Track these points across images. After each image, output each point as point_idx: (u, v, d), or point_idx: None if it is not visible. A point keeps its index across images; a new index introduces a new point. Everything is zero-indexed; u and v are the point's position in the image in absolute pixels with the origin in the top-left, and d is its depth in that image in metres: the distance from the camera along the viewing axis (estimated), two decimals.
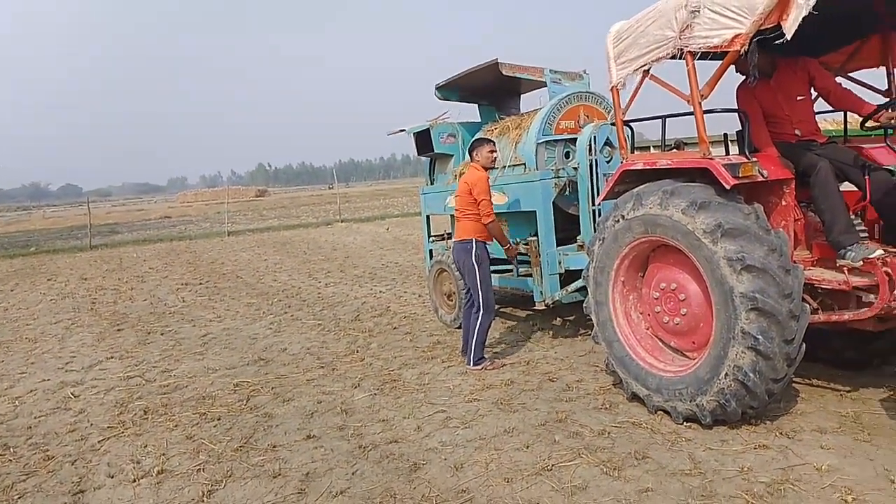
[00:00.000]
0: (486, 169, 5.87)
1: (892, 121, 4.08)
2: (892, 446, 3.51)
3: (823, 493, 3.11)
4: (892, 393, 4.24)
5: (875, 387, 4.37)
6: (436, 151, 7.87)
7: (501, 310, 7.89)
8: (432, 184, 8.38)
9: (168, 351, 7.25)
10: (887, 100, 4.25)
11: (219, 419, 4.92)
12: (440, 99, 8.06)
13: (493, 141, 6.04)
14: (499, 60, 6.74)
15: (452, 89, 7.98)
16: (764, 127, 4.30)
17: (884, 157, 4.24)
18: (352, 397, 5.14)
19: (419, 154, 8.25)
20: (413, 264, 12.61)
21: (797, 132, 4.35)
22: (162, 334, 8.16)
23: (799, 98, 4.42)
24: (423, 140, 7.88)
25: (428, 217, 8.39)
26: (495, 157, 5.97)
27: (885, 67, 4.56)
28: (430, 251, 8.21)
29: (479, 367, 5.61)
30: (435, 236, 8.37)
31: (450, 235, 8.23)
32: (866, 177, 4.01)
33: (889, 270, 3.59)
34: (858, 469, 3.29)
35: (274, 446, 4.32)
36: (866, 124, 4.28)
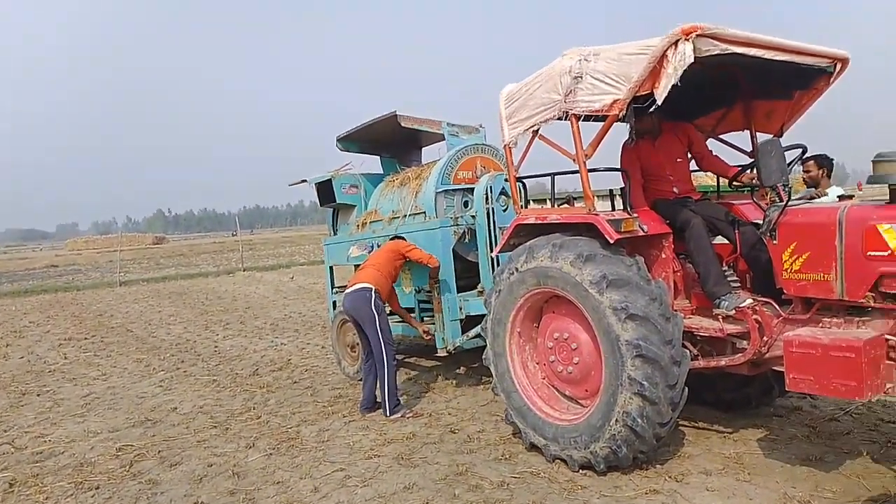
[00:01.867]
0: None
1: (754, 181, 4.47)
2: (767, 485, 3.72)
3: None
4: (768, 433, 4.52)
5: (754, 427, 4.64)
6: (338, 202, 7.86)
7: (405, 360, 7.85)
8: (335, 234, 8.33)
9: (44, 413, 6.71)
10: (750, 161, 4.64)
11: (97, 488, 4.58)
12: (341, 150, 8.11)
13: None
14: (397, 113, 6.89)
15: (353, 141, 8.05)
16: (640, 186, 4.58)
17: (751, 213, 4.61)
18: (245, 458, 4.92)
19: (321, 205, 8.21)
20: (317, 314, 12.37)
21: (675, 190, 4.66)
22: (38, 395, 7.55)
23: (678, 160, 4.75)
24: (326, 190, 7.86)
25: (331, 268, 8.31)
26: None
27: (748, 131, 5.00)
28: (334, 302, 8.11)
29: (399, 414, 5.57)
30: (338, 287, 8.28)
31: None
32: (736, 231, 4.35)
33: (759, 318, 3.88)
34: None
35: None
36: (733, 184, 4.66)
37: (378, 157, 8.33)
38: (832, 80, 4.44)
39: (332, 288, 8.32)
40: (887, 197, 3.45)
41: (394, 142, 7.93)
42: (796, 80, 4.50)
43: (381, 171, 8.24)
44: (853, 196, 4.03)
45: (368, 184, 7.99)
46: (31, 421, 6.45)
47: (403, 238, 6.33)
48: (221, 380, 7.62)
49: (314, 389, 6.85)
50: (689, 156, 4.92)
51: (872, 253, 3.35)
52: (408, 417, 5.53)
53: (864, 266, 3.39)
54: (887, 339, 3.31)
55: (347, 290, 5.87)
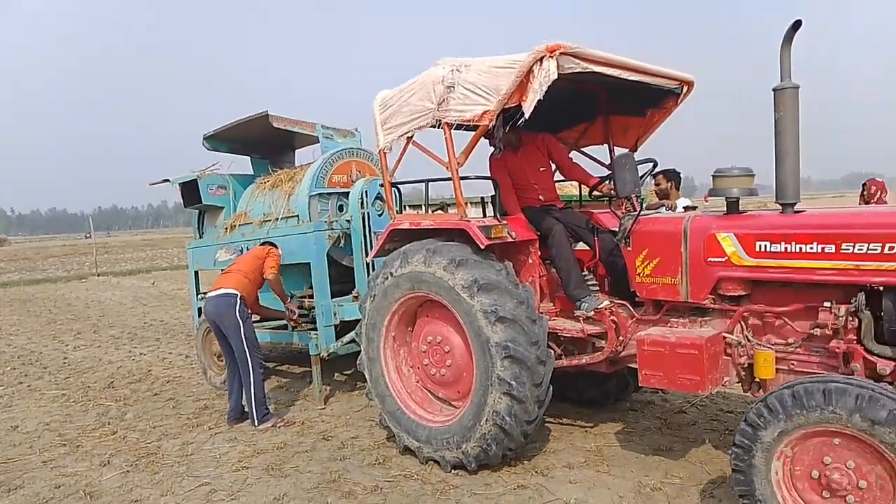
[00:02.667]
0: None
1: (612, 191, 4.79)
2: (624, 475, 4.01)
3: None
4: (625, 426, 4.86)
5: (612, 421, 4.97)
6: (204, 203, 7.51)
7: (277, 368, 7.65)
8: (201, 237, 7.96)
9: None
10: (608, 173, 4.97)
11: None
12: (209, 149, 7.76)
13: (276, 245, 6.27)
14: (269, 113, 6.71)
15: (221, 140, 7.73)
16: (512, 193, 4.78)
17: (609, 221, 4.93)
18: (99, 477, 4.58)
19: (186, 206, 7.80)
20: (181, 322, 11.73)
21: (540, 198, 4.89)
22: None
23: (541, 169, 4.99)
24: (191, 191, 7.49)
25: (196, 273, 7.93)
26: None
27: (607, 145, 5.35)
28: (199, 309, 7.73)
29: (270, 423, 5.40)
30: (204, 293, 7.90)
31: None
32: (595, 238, 4.64)
33: (615, 319, 4.16)
34: (599, 499, 3.70)
35: None
36: (593, 193, 4.97)
37: (248, 158, 8.06)
38: (679, 100, 4.85)
39: (198, 294, 7.92)
40: (725, 209, 3.81)
41: (265, 142, 7.70)
42: (649, 100, 4.87)
43: (252, 173, 7.97)
44: (696, 207, 4.43)
45: (237, 185, 7.71)
46: None
47: (275, 245, 6.15)
48: (71, 394, 7.03)
49: (177, 401, 6.49)
50: (553, 166, 5.18)
51: (712, 259, 3.69)
52: (278, 427, 5.39)
53: (705, 271, 3.74)
54: (725, 337, 3.67)
55: (209, 295, 5.64)
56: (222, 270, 6.02)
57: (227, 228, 7.32)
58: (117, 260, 32.84)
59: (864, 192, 6.94)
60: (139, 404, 6.45)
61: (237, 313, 5.46)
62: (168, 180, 7.74)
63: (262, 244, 6.21)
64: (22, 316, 14.03)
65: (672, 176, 6.05)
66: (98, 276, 23.59)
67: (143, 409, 6.25)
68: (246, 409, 5.55)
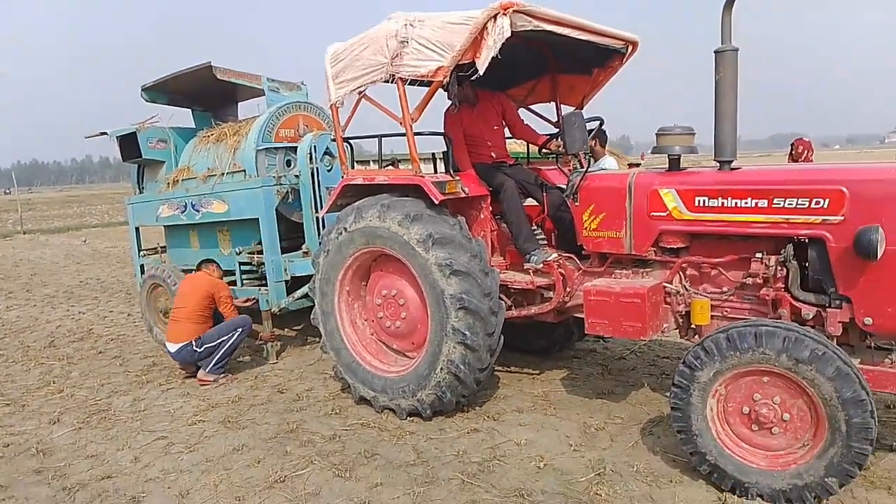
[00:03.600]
0: None
1: (560, 149, 4.93)
2: (570, 417, 4.26)
3: (521, 463, 3.66)
4: (569, 372, 5.13)
5: (557, 368, 5.23)
6: (144, 157, 7.30)
7: None
8: (141, 192, 7.74)
9: None
10: (555, 131, 5.10)
11: None
12: (147, 101, 7.48)
13: (217, 262, 6.20)
14: (212, 64, 6.52)
15: (161, 91, 7.48)
16: (465, 149, 4.85)
17: (556, 178, 5.10)
18: (50, 435, 4.54)
19: (124, 160, 7.55)
20: (120, 280, 11.44)
21: (493, 155, 4.99)
22: None
23: (495, 127, 5.07)
24: (130, 145, 7.25)
25: (137, 229, 7.74)
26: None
27: (554, 103, 5.47)
28: (142, 266, 7.59)
29: (212, 378, 5.44)
30: (147, 250, 7.77)
31: (164, 249, 7.71)
32: (544, 194, 4.80)
33: (563, 271, 4.35)
34: (548, 440, 3.94)
35: None
36: (542, 151, 5.11)
37: (189, 111, 7.83)
38: (625, 59, 4.99)
39: (140, 251, 7.76)
40: (667, 165, 4.01)
41: (208, 95, 7.48)
42: (595, 59, 4.99)
43: (194, 126, 7.76)
44: (640, 164, 4.63)
45: (179, 139, 7.50)
46: None
47: (212, 261, 6.13)
48: (10, 354, 6.85)
49: (123, 359, 6.41)
50: (504, 124, 5.28)
51: (654, 213, 3.90)
52: (220, 382, 5.44)
53: (648, 225, 3.94)
54: (665, 287, 3.91)
55: (171, 351, 5.59)
56: (170, 318, 5.86)
57: (169, 183, 7.14)
58: (44, 217, 31.37)
59: (793, 152, 7.35)
60: (84, 362, 6.35)
61: (202, 352, 5.48)
62: (105, 133, 7.46)
63: (199, 269, 6.03)
64: None
65: (598, 134, 6.22)
66: (24, 234, 22.54)
67: (88, 368, 6.16)
68: (201, 361, 5.54)
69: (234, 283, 6.53)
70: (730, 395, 3.23)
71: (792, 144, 7.58)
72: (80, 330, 7.79)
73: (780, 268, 3.56)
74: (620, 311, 3.77)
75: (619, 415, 4.26)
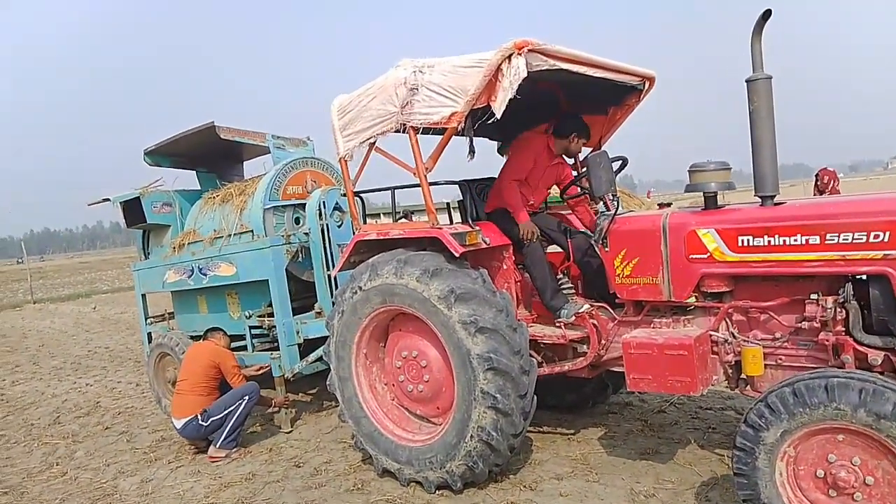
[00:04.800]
0: None
1: (584, 190, 4.68)
2: (615, 483, 3.88)
3: None
4: (607, 430, 4.75)
5: (593, 426, 4.86)
6: (149, 222, 7.10)
7: None
8: (147, 258, 7.52)
9: None
10: (578, 173, 4.85)
11: None
12: (150, 165, 7.34)
13: (223, 330, 5.92)
14: (216, 124, 6.38)
15: (164, 155, 7.33)
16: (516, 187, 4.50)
17: (579, 223, 4.83)
18: None
19: (129, 226, 7.36)
20: (128, 347, 11.14)
21: (531, 202, 4.69)
22: None
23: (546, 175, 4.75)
24: (134, 210, 7.05)
25: (144, 296, 7.50)
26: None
27: None
28: (149, 334, 7.32)
29: (224, 454, 5.10)
30: (154, 317, 7.50)
31: (171, 315, 7.45)
32: (569, 240, 4.53)
33: (596, 322, 4.04)
34: None
35: None
36: (563, 195, 4.85)
37: (194, 172, 7.67)
38: (642, 96, 4.79)
39: (147, 318, 7.50)
40: (702, 204, 3.74)
41: (212, 155, 7.34)
42: (611, 97, 4.79)
43: (199, 187, 7.59)
44: (671, 204, 4.37)
45: (184, 201, 7.30)
46: None
47: (217, 330, 5.83)
48: (12, 434, 6.52)
49: (131, 434, 6.08)
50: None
51: (694, 256, 3.61)
52: (234, 458, 5.10)
53: (687, 268, 3.65)
54: (711, 335, 3.59)
55: (177, 426, 5.31)
56: (175, 391, 5.61)
57: (174, 248, 6.91)
58: (54, 285, 31.31)
59: (818, 182, 7.08)
60: (90, 440, 6.01)
61: (209, 427, 5.19)
62: (108, 199, 7.28)
63: (205, 338, 5.76)
64: None
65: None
66: (34, 303, 22.38)
67: (94, 445, 5.82)
68: (210, 435, 5.21)
69: (244, 348, 6.23)
70: (800, 456, 2.88)
71: (817, 175, 7.33)
72: (86, 404, 7.47)
73: (839, 309, 3.24)
74: (666, 364, 3.45)
75: (668, 478, 3.88)
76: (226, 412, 5.15)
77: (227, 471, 4.84)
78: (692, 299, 3.72)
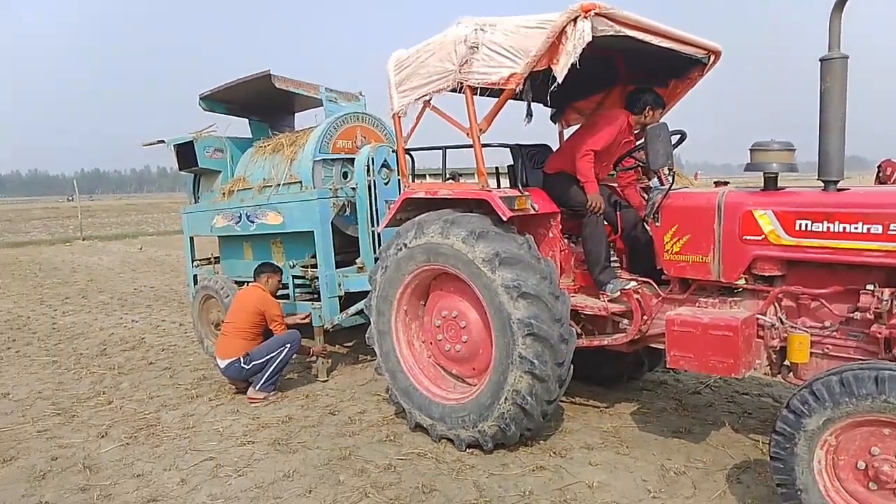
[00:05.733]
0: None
1: (639, 162, 4.59)
2: (646, 458, 3.88)
3: None
4: (640, 406, 4.74)
5: (626, 401, 4.85)
6: (200, 167, 7.23)
7: None
8: (196, 202, 7.68)
9: None
10: (637, 143, 4.74)
11: None
12: (205, 110, 7.44)
13: (280, 270, 5.93)
14: (271, 73, 6.41)
15: (219, 101, 7.42)
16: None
17: (630, 196, 4.75)
18: (98, 449, 4.40)
19: (181, 169, 7.51)
20: (173, 289, 11.48)
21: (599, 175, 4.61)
22: None
23: (623, 143, 4.56)
24: (186, 154, 7.19)
25: (192, 239, 7.68)
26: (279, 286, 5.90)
27: None
28: (195, 276, 7.51)
29: (262, 396, 5.26)
30: (200, 260, 7.69)
31: (217, 259, 7.62)
32: (618, 213, 4.47)
33: (640, 298, 4.01)
34: (623, 483, 3.57)
35: None
36: (617, 167, 4.76)
37: (246, 121, 7.76)
38: (705, 70, 4.64)
39: (193, 261, 7.69)
40: (762, 184, 3.64)
41: (265, 104, 7.40)
42: (673, 69, 4.66)
43: (250, 136, 7.68)
44: (728, 182, 4.26)
45: (235, 148, 7.41)
46: None
47: (269, 272, 5.80)
48: (63, 361, 6.82)
49: (173, 371, 6.30)
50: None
51: (748, 237, 3.53)
52: (269, 400, 5.26)
53: (739, 249, 3.57)
54: (758, 319, 3.53)
55: (220, 365, 5.46)
56: (220, 331, 5.74)
57: (224, 193, 7.05)
58: (102, 224, 32.27)
59: (880, 174, 6.82)
60: (134, 373, 6.26)
61: (250, 368, 5.33)
62: (163, 141, 7.44)
63: (256, 277, 5.77)
64: (6, 279, 13.70)
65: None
66: (83, 240, 23.17)
67: (138, 379, 6.06)
68: (251, 377, 5.38)
69: (286, 297, 6.36)
70: (841, 446, 2.83)
71: (879, 166, 7.06)
72: (132, 338, 7.75)
73: (895, 302, 3.15)
74: (709, 344, 3.40)
75: (700, 458, 3.86)
76: (267, 357, 5.29)
77: (264, 412, 5.00)
78: (741, 281, 3.66)
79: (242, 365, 5.31)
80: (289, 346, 5.38)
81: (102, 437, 4.64)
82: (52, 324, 8.83)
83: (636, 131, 4.53)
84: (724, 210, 3.63)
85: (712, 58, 4.54)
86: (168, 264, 15.14)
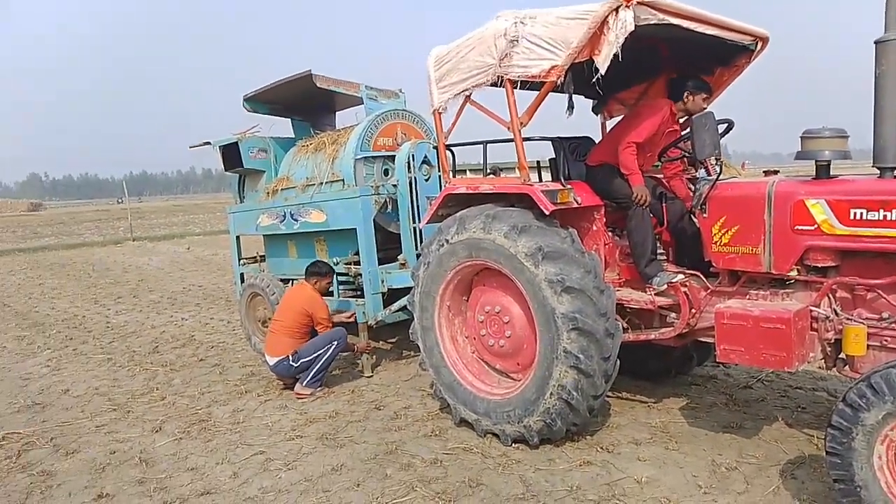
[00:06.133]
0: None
1: (685, 153, 4.51)
2: (696, 453, 3.82)
3: None
4: (689, 401, 4.66)
5: (675, 396, 4.77)
6: (245, 167, 7.37)
7: None
8: (242, 201, 7.84)
9: None
10: (683, 133, 4.64)
11: None
12: (249, 111, 7.58)
13: (332, 271, 5.94)
14: (312, 72, 6.50)
15: (262, 102, 7.55)
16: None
17: (675, 188, 4.67)
18: (153, 444, 4.54)
19: (226, 170, 7.67)
20: (220, 287, 11.74)
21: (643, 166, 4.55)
22: None
23: (667, 132, 4.49)
24: (231, 155, 7.33)
25: (238, 238, 7.84)
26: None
27: None
28: (242, 275, 7.67)
29: (309, 391, 5.35)
30: (246, 259, 7.85)
31: (263, 258, 7.77)
32: (663, 205, 4.39)
33: (688, 291, 3.94)
34: (672, 479, 3.52)
35: None
36: (661, 157, 4.68)
37: (289, 121, 7.88)
38: (752, 57, 4.52)
39: (240, 260, 7.86)
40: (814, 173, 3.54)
41: (307, 104, 7.50)
42: (718, 56, 4.55)
43: (293, 135, 7.80)
44: (778, 171, 4.14)
45: (279, 148, 7.53)
46: None
47: (320, 274, 5.80)
48: (117, 358, 7.05)
49: (223, 367, 6.45)
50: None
51: (800, 227, 3.43)
52: (318, 396, 5.34)
53: (791, 240, 3.48)
54: (811, 311, 3.43)
55: (270, 363, 5.57)
56: (269, 329, 5.84)
57: (268, 193, 7.18)
58: (151, 225, 33.21)
59: None
60: (186, 370, 6.43)
61: (298, 366, 5.43)
62: (209, 143, 7.61)
63: (307, 274, 5.79)
64: (62, 280, 14.20)
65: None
66: (133, 241, 23.86)
67: (189, 375, 6.22)
68: (298, 374, 5.48)
69: (330, 293, 6.44)
70: None
71: None
72: (182, 336, 7.97)
73: None
74: (761, 337, 3.32)
75: (752, 453, 3.78)
76: (315, 355, 5.38)
77: (311, 407, 5.08)
78: (793, 272, 3.56)
79: (291, 363, 5.40)
80: (335, 343, 5.45)
81: (157, 431, 4.78)
82: (106, 323, 9.13)
83: (681, 120, 4.44)
84: (774, 200, 3.53)
85: (759, 44, 4.42)
86: (215, 263, 15.48)
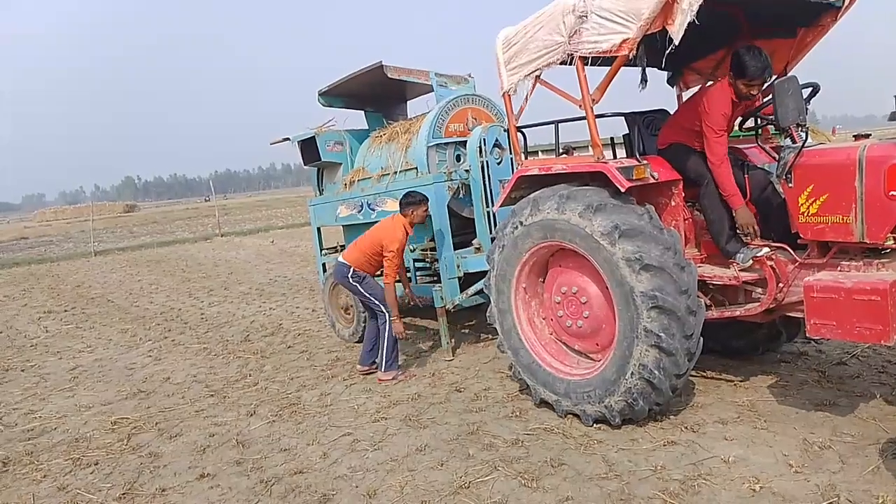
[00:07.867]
0: (411, 226, 5.69)
1: (768, 120, 4.31)
2: (786, 431, 3.69)
3: (733, 484, 3.20)
4: (778, 379, 4.49)
5: (763, 374, 4.61)
6: (323, 160, 7.60)
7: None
8: (321, 194, 8.09)
9: (31, 389, 6.50)
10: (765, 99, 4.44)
11: (96, 464, 4.43)
12: (324, 106, 7.80)
13: (427, 199, 5.74)
14: (384, 63, 6.60)
15: (336, 95, 7.75)
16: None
17: (757, 158, 4.49)
18: (248, 427, 4.80)
19: (305, 164, 7.93)
20: (303, 277, 12.17)
21: None
22: (23, 370, 7.32)
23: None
24: (309, 149, 7.58)
25: (319, 229, 8.10)
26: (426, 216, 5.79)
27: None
28: (324, 264, 7.93)
29: (391, 376, 5.46)
30: (327, 249, 8.10)
31: (343, 248, 7.99)
32: (745, 176, 4.23)
33: (774, 265, 3.79)
34: (762, 458, 3.42)
35: (163, 490, 3.93)
36: (742, 126, 4.50)
37: (363, 112, 8.05)
38: (840, 15, 4.27)
39: (322, 250, 8.12)
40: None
41: (379, 95, 7.65)
42: (801, 17, 4.33)
43: (367, 127, 7.97)
44: (870, 135, 3.91)
45: (354, 140, 7.73)
46: (17, 398, 6.25)
47: (406, 213, 5.64)
48: (212, 347, 7.45)
49: (310, 353, 6.71)
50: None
51: (895, 192, 3.25)
52: (398, 380, 5.46)
53: (885, 207, 3.29)
54: None
55: (337, 259, 5.80)
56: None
57: (345, 184, 7.39)
58: (236, 220, 34.63)
59: None
60: (275, 356, 6.73)
61: (350, 280, 5.59)
62: (288, 138, 7.88)
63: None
64: (158, 275, 15.06)
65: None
66: (221, 236, 24.96)
67: (279, 361, 6.51)
68: (375, 360, 5.63)
69: (409, 280, 6.57)
70: None
71: None
72: (271, 325, 8.33)
73: None
74: (854, 310, 3.17)
75: (847, 431, 3.61)
76: (368, 296, 5.55)
77: (394, 391, 5.22)
78: (889, 241, 3.37)
79: (349, 275, 5.58)
80: (385, 324, 5.52)
81: (251, 415, 5.04)
82: (201, 314, 9.65)
83: (752, 91, 4.05)
84: (865, 165, 3.35)
85: (846, 0, 4.16)
86: (298, 254, 16.01)
